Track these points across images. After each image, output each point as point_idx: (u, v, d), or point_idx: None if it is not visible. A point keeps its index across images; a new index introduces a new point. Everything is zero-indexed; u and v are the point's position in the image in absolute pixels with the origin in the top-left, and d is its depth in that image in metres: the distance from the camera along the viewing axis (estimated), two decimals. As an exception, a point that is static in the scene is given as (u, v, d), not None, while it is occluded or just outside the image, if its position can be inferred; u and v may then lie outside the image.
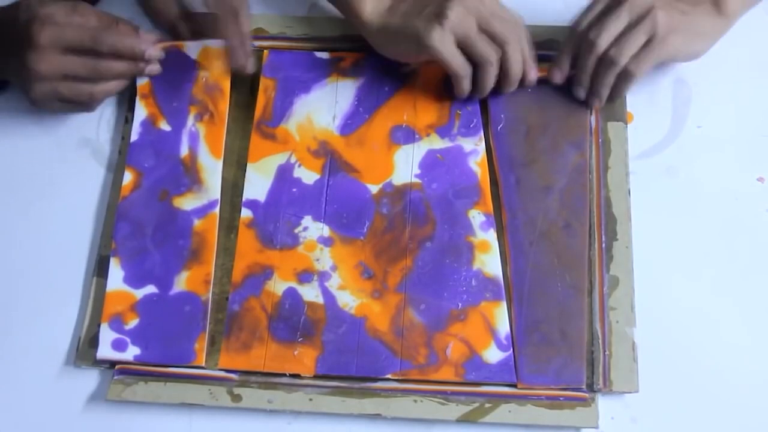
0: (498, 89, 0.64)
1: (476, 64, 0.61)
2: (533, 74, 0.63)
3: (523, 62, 0.62)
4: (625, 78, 0.61)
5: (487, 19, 0.60)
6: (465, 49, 0.60)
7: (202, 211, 0.63)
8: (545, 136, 0.64)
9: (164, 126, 0.66)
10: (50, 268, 0.63)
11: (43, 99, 0.63)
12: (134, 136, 0.66)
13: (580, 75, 0.63)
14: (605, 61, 0.60)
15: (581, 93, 0.64)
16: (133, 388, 0.57)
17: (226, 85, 0.67)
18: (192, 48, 0.68)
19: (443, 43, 0.59)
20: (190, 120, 0.67)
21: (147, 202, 0.64)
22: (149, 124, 0.66)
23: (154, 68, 0.66)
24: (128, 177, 0.65)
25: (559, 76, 0.64)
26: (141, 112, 0.67)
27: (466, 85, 0.62)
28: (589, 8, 0.62)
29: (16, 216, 0.65)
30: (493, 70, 0.61)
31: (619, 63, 0.59)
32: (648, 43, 0.59)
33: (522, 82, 0.63)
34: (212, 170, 0.65)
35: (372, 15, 0.64)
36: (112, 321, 0.59)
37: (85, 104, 0.65)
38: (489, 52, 0.60)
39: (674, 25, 0.59)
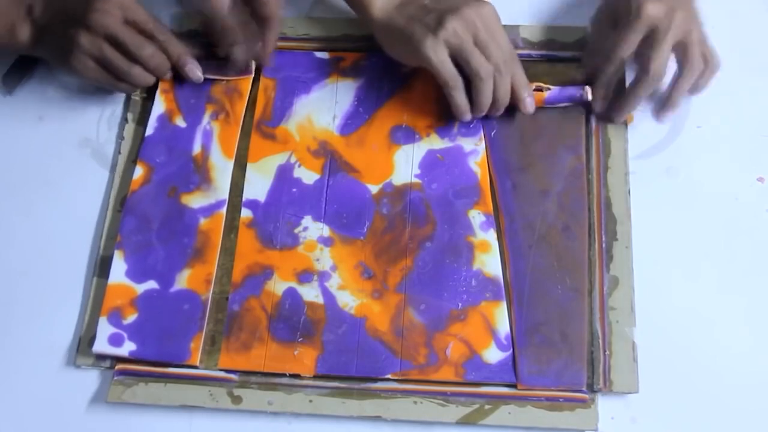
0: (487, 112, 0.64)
1: (470, 79, 0.61)
2: (529, 103, 0.63)
3: (515, 90, 0.62)
4: (696, 90, 0.63)
5: (484, 39, 0.60)
6: (459, 62, 0.61)
7: (209, 210, 0.63)
8: (540, 140, 0.64)
9: (180, 122, 0.67)
10: (50, 269, 0.63)
11: (82, 68, 0.64)
12: (149, 131, 0.66)
13: (632, 102, 0.63)
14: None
15: (622, 116, 0.64)
16: (133, 389, 0.57)
17: (246, 87, 0.68)
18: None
19: (435, 51, 0.60)
20: (206, 118, 0.67)
21: (155, 198, 0.64)
22: (165, 119, 0.67)
23: (196, 75, 0.67)
24: (139, 171, 0.65)
25: (602, 107, 0.64)
26: (159, 106, 0.67)
27: (459, 99, 0.62)
28: (625, 39, 0.60)
29: (16, 216, 0.65)
30: (486, 87, 0.61)
31: (695, 72, 0.61)
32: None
33: (518, 108, 0.63)
34: (222, 170, 0.65)
35: (381, 10, 0.64)
36: (111, 315, 0.59)
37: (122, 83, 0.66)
38: (482, 66, 0.60)
39: (698, 20, 0.62)
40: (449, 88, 0.62)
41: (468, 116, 0.63)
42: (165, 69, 0.66)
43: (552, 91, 0.64)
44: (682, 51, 0.60)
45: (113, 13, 0.63)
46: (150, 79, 0.66)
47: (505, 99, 0.62)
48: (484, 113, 0.63)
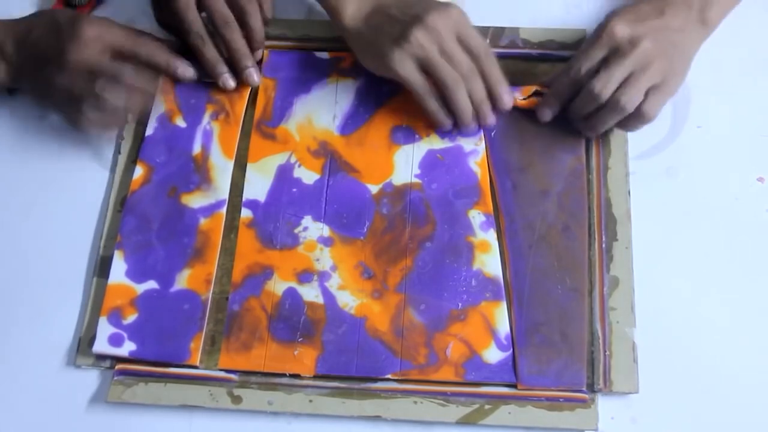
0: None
1: (441, 89, 0.61)
2: (506, 101, 0.62)
3: (491, 88, 0.61)
4: (638, 119, 0.60)
5: (449, 47, 0.60)
6: (428, 72, 0.61)
7: (209, 210, 0.63)
8: (540, 140, 0.64)
9: (180, 122, 0.67)
10: (50, 269, 0.63)
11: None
12: (149, 131, 0.66)
13: (576, 116, 0.62)
14: (610, 106, 0.59)
15: (577, 126, 0.63)
16: (133, 389, 0.57)
17: (246, 87, 0.68)
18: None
19: (402, 65, 0.60)
20: (206, 118, 0.67)
21: (155, 198, 0.64)
22: (166, 119, 0.67)
23: (190, 73, 0.66)
24: (139, 171, 0.65)
25: (549, 115, 0.63)
26: (159, 106, 0.67)
27: (432, 106, 0.62)
28: (586, 53, 0.60)
29: (16, 216, 0.65)
30: (456, 95, 0.60)
31: (627, 110, 0.59)
32: (654, 87, 0.59)
33: (495, 108, 0.63)
34: (222, 170, 0.65)
35: (352, 20, 0.64)
36: (111, 315, 0.59)
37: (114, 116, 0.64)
38: (448, 75, 0.60)
39: (675, 67, 0.60)
40: (420, 97, 0.62)
41: (448, 124, 0.63)
42: (153, 88, 0.65)
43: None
44: (628, 76, 0.58)
45: (91, 46, 0.61)
46: (144, 105, 0.65)
47: (482, 103, 0.62)
48: (470, 123, 0.62)
